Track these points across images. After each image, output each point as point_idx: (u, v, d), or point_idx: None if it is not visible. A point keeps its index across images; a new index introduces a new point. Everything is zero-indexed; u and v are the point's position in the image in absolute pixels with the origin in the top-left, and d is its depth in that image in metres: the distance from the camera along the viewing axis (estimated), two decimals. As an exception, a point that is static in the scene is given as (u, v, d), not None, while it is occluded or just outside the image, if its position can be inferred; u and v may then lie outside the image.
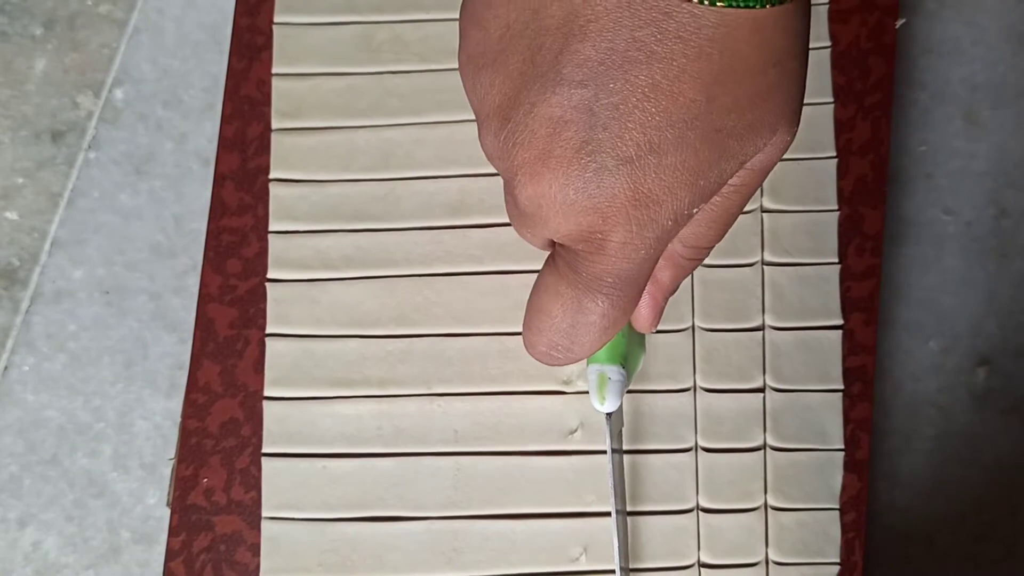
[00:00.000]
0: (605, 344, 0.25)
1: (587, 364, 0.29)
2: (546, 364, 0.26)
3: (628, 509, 0.36)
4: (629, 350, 0.29)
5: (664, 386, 0.36)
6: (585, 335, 0.24)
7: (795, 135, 0.23)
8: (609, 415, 0.31)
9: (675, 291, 0.27)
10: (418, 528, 0.36)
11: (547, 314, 0.25)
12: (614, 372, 0.29)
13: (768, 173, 0.24)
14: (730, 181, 0.23)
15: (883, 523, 0.38)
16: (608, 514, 0.36)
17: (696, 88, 0.21)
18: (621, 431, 0.34)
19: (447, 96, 0.38)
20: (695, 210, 0.22)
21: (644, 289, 0.25)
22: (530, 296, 0.25)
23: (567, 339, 0.25)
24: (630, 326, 0.28)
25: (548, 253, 0.25)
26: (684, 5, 0.20)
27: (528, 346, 0.26)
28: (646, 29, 0.20)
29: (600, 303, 0.24)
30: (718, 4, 0.20)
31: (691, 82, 0.20)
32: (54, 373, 0.40)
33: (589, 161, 0.21)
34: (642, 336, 0.30)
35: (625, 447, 0.36)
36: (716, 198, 0.24)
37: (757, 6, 0.20)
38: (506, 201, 0.24)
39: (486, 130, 0.23)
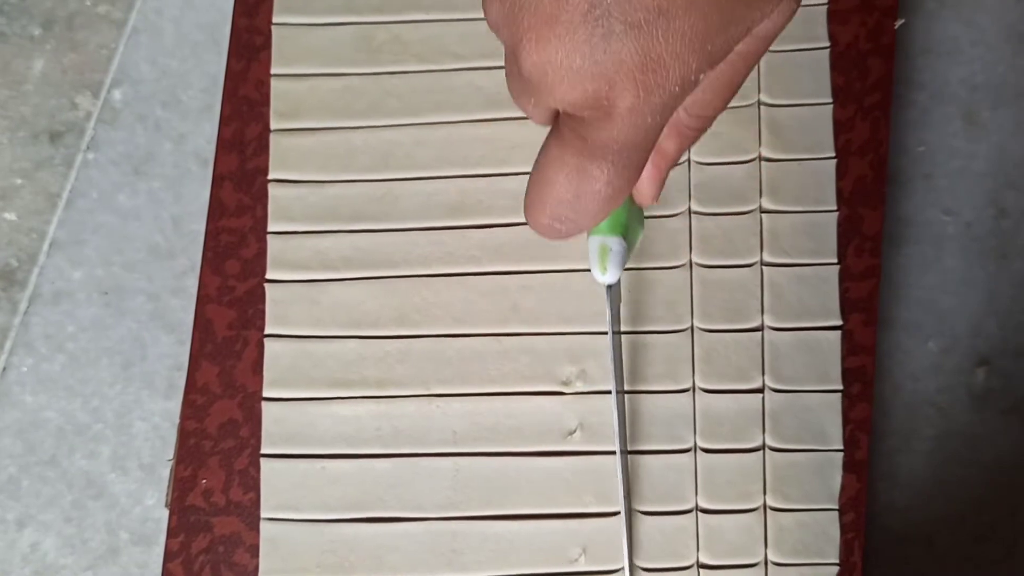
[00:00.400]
0: (608, 214, 0.25)
1: (588, 236, 0.29)
2: (549, 237, 0.25)
3: (633, 508, 0.36)
4: (629, 223, 0.29)
5: (663, 387, 0.36)
6: (590, 204, 0.24)
7: (800, 2, 0.23)
8: (610, 287, 0.30)
9: (678, 161, 0.27)
10: (417, 529, 0.36)
11: (552, 184, 0.24)
12: (615, 243, 0.28)
13: (772, 41, 0.23)
14: (736, 48, 0.23)
15: (882, 524, 0.38)
16: (609, 514, 0.36)
17: None
18: (619, 308, 0.34)
19: (446, 97, 0.38)
20: (702, 76, 0.22)
21: (649, 156, 0.24)
22: (533, 170, 0.25)
23: (571, 209, 0.24)
24: (631, 199, 0.28)
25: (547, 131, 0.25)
26: None
27: (531, 220, 0.25)
28: None
29: (606, 170, 0.23)
30: None
31: None
32: (52, 374, 0.39)
33: (596, 26, 0.21)
34: (641, 211, 0.30)
35: (623, 448, 0.36)
36: (721, 65, 0.23)
37: None
38: (508, 72, 0.23)
39: None
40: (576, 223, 0.25)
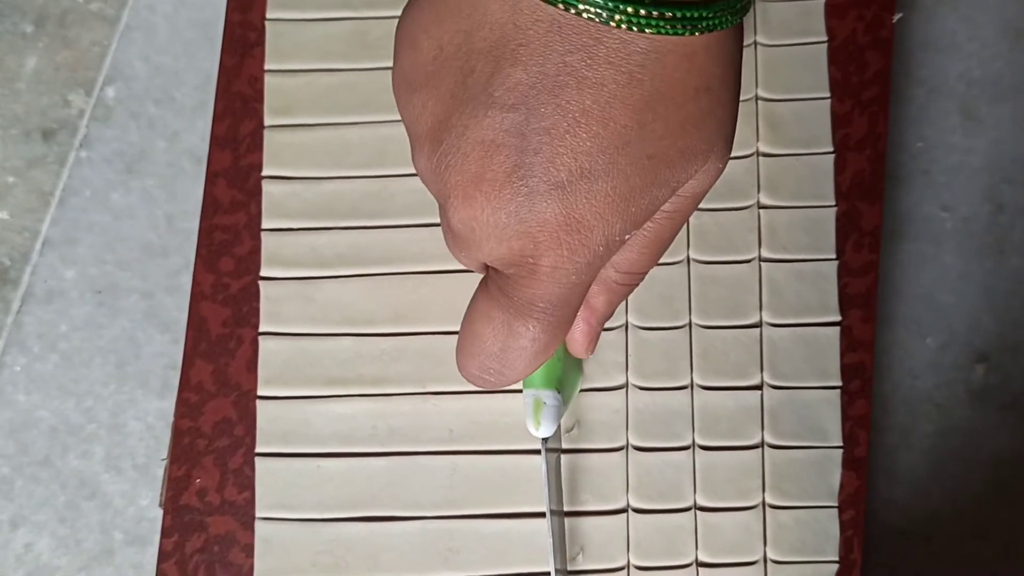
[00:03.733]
0: (537, 368, 0.25)
1: (523, 388, 0.29)
2: (478, 387, 0.26)
3: (632, 506, 0.36)
4: (565, 374, 0.29)
5: (661, 384, 0.36)
6: (516, 359, 0.24)
7: (727, 162, 0.23)
8: (545, 440, 0.30)
9: (610, 315, 0.27)
10: (413, 528, 0.36)
11: (479, 337, 0.25)
12: (549, 397, 0.29)
13: (700, 200, 0.24)
14: (662, 208, 0.23)
15: (881, 520, 0.38)
16: (608, 512, 0.36)
17: (627, 114, 0.21)
18: (559, 458, 0.34)
19: (441, 92, 0.38)
20: (627, 236, 0.22)
21: (576, 313, 0.25)
22: (463, 320, 0.25)
23: (498, 363, 0.25)
24: (566, 350, 0.28)
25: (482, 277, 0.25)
26: (614, 31, 0.20)
27: (460, 369, 0.26)
28: (577, 54, 0.20)
29: (531, 327, 0.24)
30: (647, 31, 0.20)
31: (622, 108, 0.20)
32: (46, 374, 0.39)
33: (521, 185, 0.21)
34: (579, 360, 0.30)
35: (623, 445, 0.36)
36: (649, 224, 0.24)
37: (686, 33, 0.20)
38: (441, 224, 0.24)
39: (419, 152, 0.23)
40: (504, 375, 0.25)
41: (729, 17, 0.21)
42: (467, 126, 0.21)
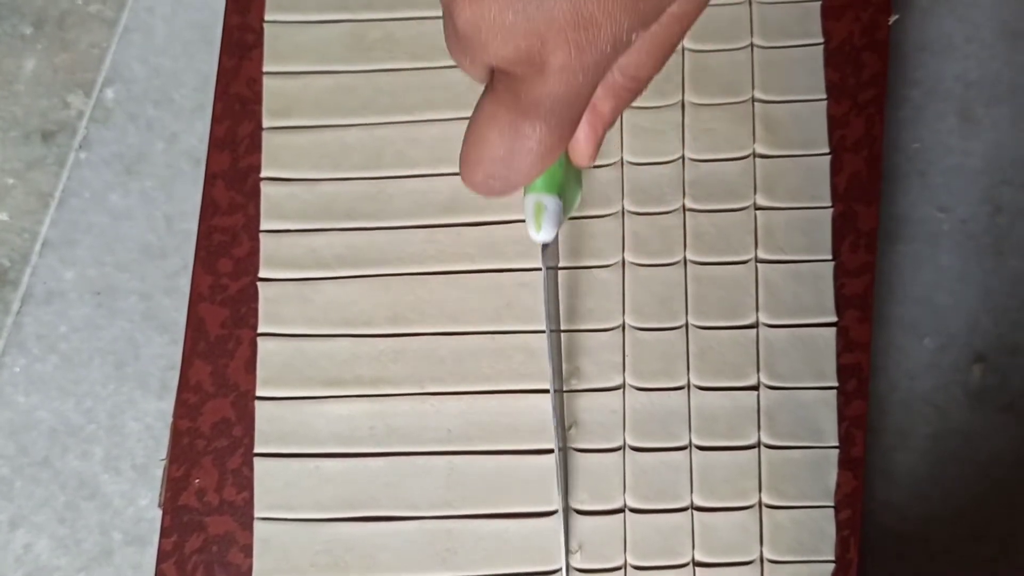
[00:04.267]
0: (542, 172, 0.25)
1: (524, 194, 0.29)
2: (483, 194, 0.25)
3: (629, 506, 0.36)
4: (566, 183, 0.29)
5: (658, 384, 0.36)
6: (523, 161, 0.24)
7: None
8: (545, 246, 0.31)
9: (614, 122, 0.27)
10: (411, 528, 0.36)
11: (485, 142, 0.24)
12: (551, 201, 0.28)
13: (705, 5, 0.24)
14: (670, 9, 0.23)
15: (878, 521, 0.38)
16: (605, 512, 0.36)
17: None
18: (556, 271, 0.34)
19: (439, 94, 0.38)
20: (634, 36, 0.22)
21: (581, 115, 0.24)
22: (468, 127, 0.25)
23: (504, 166, 0.24)
24: (568, 159, 0.28)
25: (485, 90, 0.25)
26: None
27: (465, 177, 0.25)
28: None
29: (538, 128, 0.23)
30: None
31: None
32: (45, 374, 0.39)
33: None
34: (579, 172, 0.30)
35: (620, 445, 0.36)
36: (655, 27, 0.23)
37: None
38: (445, 28, 0.23)
39: None
40: (509, 180, 0.25)
41: None
42: None
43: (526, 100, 0.23)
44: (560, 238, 0.37)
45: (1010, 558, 0.38)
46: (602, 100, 0.26)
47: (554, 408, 0.34)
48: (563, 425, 0.36)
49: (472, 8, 0.21)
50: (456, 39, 0.23)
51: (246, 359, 0.37)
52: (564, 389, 0.36)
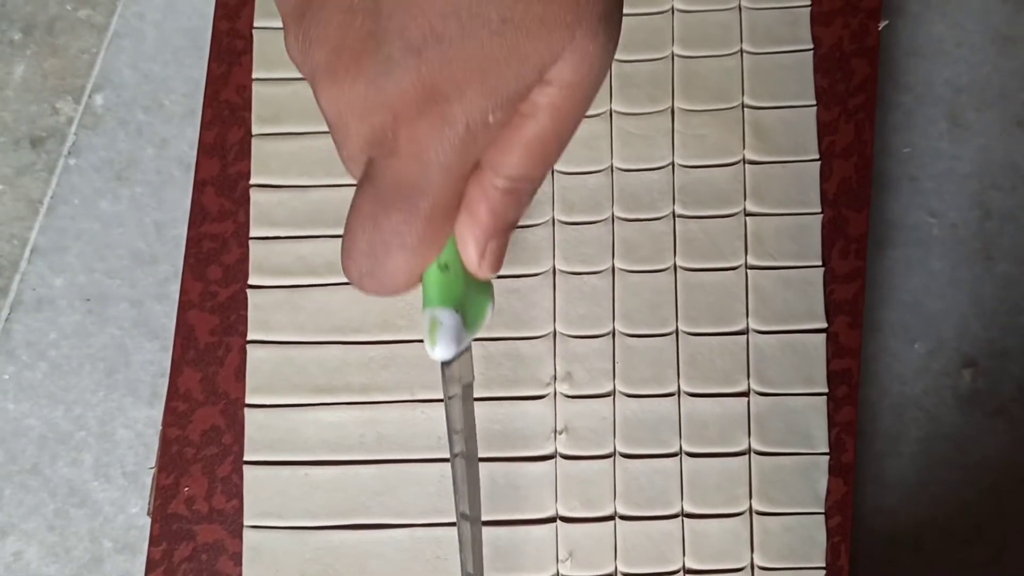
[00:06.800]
0: (414, 271, 0.23)
1: (423, 308, 0.27)
2: (365, 292, 0.24)
3: (620, 513, 0.36)
4: (467, 295, 0.27)
5: (648, 391, 0.36)
6: (386, 257, 0.23)
7: (605, 49, 0.22)
8: (445, 364, 0.28)
9: (502, 231, 0.25)
10: (401, 535, 0.36)
11: (351, 234, 0.23)
12: (446, 316, 0.26)
13: (582, 96, 0.22)
14: (537, 100, 0.22)
15: (869, 526, 0.38)
16: (596, 519, 0.36)
17: None
18: (471, 392, 0.30)
19: (429, 100, 0.38)
20: (489, 117, 0.21)
21: (446, 212, 0.23)
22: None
23: (369, 261, 0.23)
24: (466, 270, 0.26)
25: None
26: None
27: (344, 271, 0.24)
28: None
29: (393, 216, 0.22)
30: None
31: None
32: (35, 382, 0.39)
33: (376, 52, 0.20)
34: (487, 284, 0.28)
35: (611, 452, 0.36)
36: (526, 121, 0.22)
37: None
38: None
39: (288, 33, 0.22)
40: (379, 279, 0.23)
41: None
42: None
43: (383, 186, 0.22)
44: (555, 241, 0.37)
45: (1002, 562, 0.38)
46: (477, 203, 0.24)
47: (462, 543, 0.31)
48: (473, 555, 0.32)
49: (331, 86, 0.21)
50: (331, 132, 0.22)
51: (236, 367, 0.37)
52: (556, 393, 0.36)
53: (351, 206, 0.23)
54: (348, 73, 0.21)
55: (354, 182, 0.39)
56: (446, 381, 0.28)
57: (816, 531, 0.36)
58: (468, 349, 0.29)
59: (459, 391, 0.29)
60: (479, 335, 0.28)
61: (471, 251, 0.25)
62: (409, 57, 0.20)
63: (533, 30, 0.21)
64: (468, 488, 0.30)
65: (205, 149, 0.38)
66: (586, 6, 0.21)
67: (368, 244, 0.23)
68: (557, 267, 0.37)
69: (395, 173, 0.22)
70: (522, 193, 0.24)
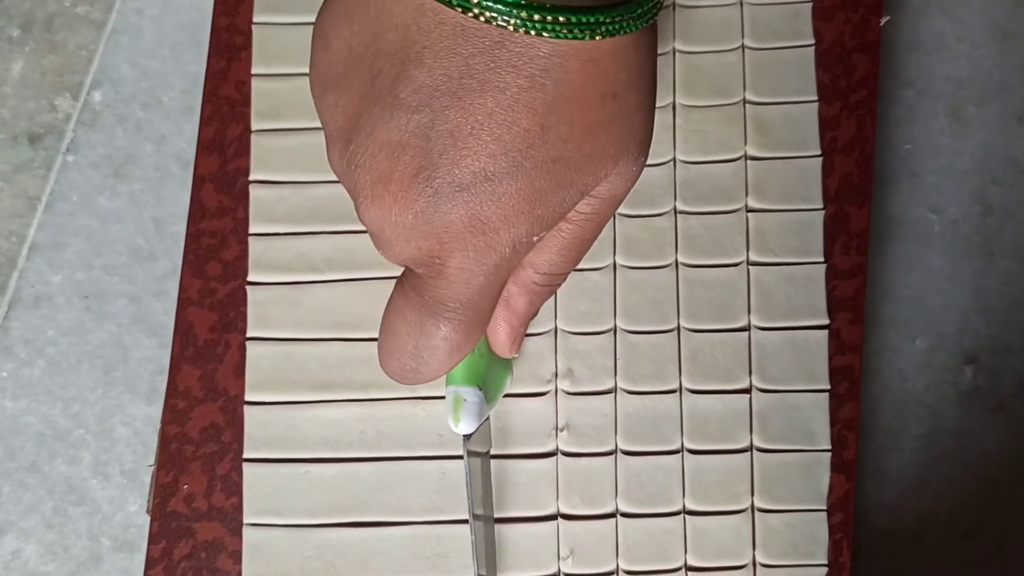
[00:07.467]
0: (454, 365, 0.25)
1: (446, 384, 0.29)
2: (400, 382, 0.26)
3: (621, 510, 0.36)
4: (490, 372, 0.29)
5: (649, 388, 0.36)
6: (430, 358, 0.25)
7: (643, 165, 0.23)
8: (467, 438, 0.30)
9: (534, 315, 0.27)
10: (402, 533, 0.36)
11: (395, 335, 0.25)
12: (470, 394, 0.28)
13: (619, 202, 0.24)
14: (580, 209, 0.23)
15: (871, 522, 0.38)
16: (599, 516, 0.36)
17: (530, 117, 0.21)
18: (488, 461, 0.33)
19: (429, 96, 0.38)
20: (535, 238, 0.23)
21: (490, 314, 0.25)
22: (383, 316, 0.25)
23: (414, 360, 0.25)
24: (490, 348, 0.28)
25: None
26: (516, 35, 0.20)
27: (382, 365, 0.26)
28: (480, 57, 0.20)
29: (442, 327, 0.24)
30: (544, 35, 0.20)
31: (525, 111, 0.21)
32: (33, 379, 0.39)
33: (426, 187, 0.21)
34: (506, 360, 0.30)
35: (612, 449, 0.36)
36: (567, 225, 0.24)
37: (586, 38, 0.20)
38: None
39: (332, 150, 0.23)
40: (421, 373, 0.25)
41: (631, 22, 0.21)
42: (375, 127, 0.21)
43: (430, 299, 0.23)
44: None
45: (1003, 558, 0.38)
46: (516, 296, 0.26)
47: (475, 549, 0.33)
48: None
49: (375, 208, 0.22)
50: (369, 234, 0.23)
51: (235, 363, 0.37)
52: (557, 389, 0.36)
53: (391, 306, 0.25)
54: (395, 201, 0.22)
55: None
56: (468, 456, 0.31)
57: (818, 528, 0.36)
58: (487, 420, 0.31)
59: (479, 460, 0.32)
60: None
61: (505, 338, 0.27)
62: (458, 193, 0.21)
63: (582, 164, 0.22)
64: (485, 549, 0.33)
65: (204, 145, 0.38)
66: (629, 137, 0.22)
67: (415, 348, 0.25)
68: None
69: (442, 289, 0.23)
70: (556, 284, 0.26)
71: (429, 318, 0.24)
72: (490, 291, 0.24)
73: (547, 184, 0.21)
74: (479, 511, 0.32)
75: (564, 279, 0.26)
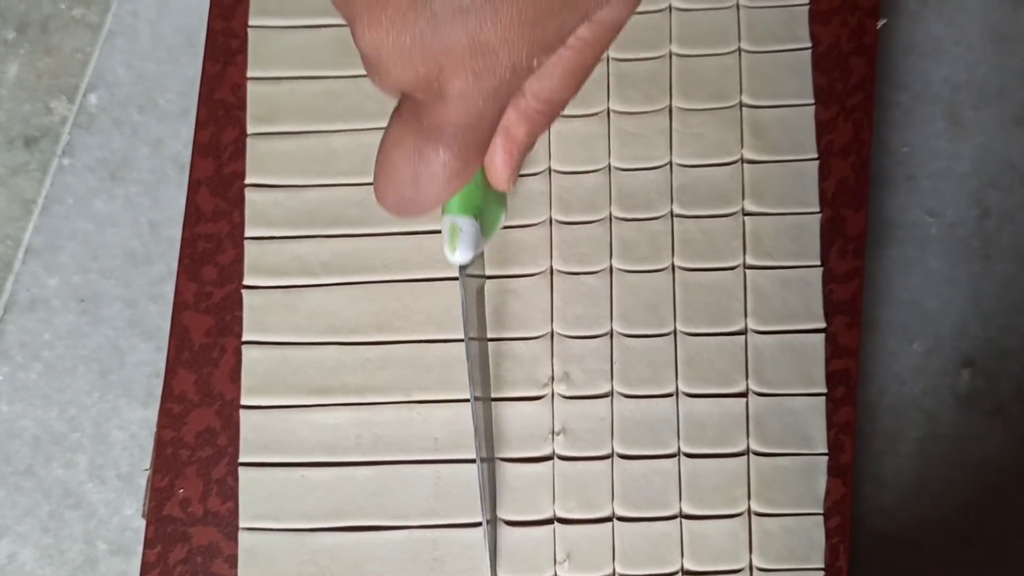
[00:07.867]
0: (452, 195, 0.25)
1: (441, 214, 0.29)
2: (396, 215, 0.26)
3: (618, 514, 0.35)
4: (485, 205, 0.29)
5: (646, 391, 0.36)
6: (428, 185, 0.24)
7: None
8: (463, 268, 0.30)
9: (532, 146, 0.27)
10: (398, 537, 0.35)
11: (392, 164, 0.24)
12: (466, 223, 0.29)
13: (620, 29, 0.23)
14: (580, 35, 0.23)
15: (868, 527, 0.38)
16: (595, 520, 0.36)
17: None
18: (483, 286, 0.33)
19: (425, 99, 0.38)
20: (535, 62, 0.22)
21: (488, 141, 0.24)
22: (379, 148, 0.25)
23: (412, 189, 0.25)
24: (487, 181, 0.28)
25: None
26: None
27: (378, 198, 0.26)
28: None
29: (441, 152, 0.24)
30: None
31: None
32: (29, 383, 0.39)
33: (424, 8, 0.21)
34: (501, 194, 0.30)
35: (608, 453, 0.36)
36: (566, 52, 0.23)
37: None
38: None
39: None
40: (419, 203, 0.25)
41: None
42: None
43: (428, 125, 0.23)
44: (552, 241, 0.37)
45: (1001, 562, 0.38)
46: (515, 124, 0.26)
47: (474, 417, 0.34)
48: (488, 435, 0.35)
49: (372, 32, 0.21)
50: (363, 60, 0.23)
51: (231, 368, 0.37)
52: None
53: (388, 135, 0.24)
54: (392, 24, 0.21)
55: (352, 181, 0.39)
56: (464, 286, 0.31)
57: (815, 532, 0.36)
58: (482, 255, 0.31)
59: (474, 294, 0.32)
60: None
61: (502, 167, 0.27)
62: (458, 15, 0.21)
63: None
64: (480, 372, 0.33)
65: (200, 148, 0.38)
66: None
67: (413, 175, 0.24)
68: (554, 267, 0.37)
69: (441, 114, 0.23)
70: (556, 112, 0.26)
71: (428, 144, 0.23)
72: (489, 115, 0.23)
73: (548, 5, 0.21)
74: (473, 334, 0.32)
75: (563, 108, 0.26)
